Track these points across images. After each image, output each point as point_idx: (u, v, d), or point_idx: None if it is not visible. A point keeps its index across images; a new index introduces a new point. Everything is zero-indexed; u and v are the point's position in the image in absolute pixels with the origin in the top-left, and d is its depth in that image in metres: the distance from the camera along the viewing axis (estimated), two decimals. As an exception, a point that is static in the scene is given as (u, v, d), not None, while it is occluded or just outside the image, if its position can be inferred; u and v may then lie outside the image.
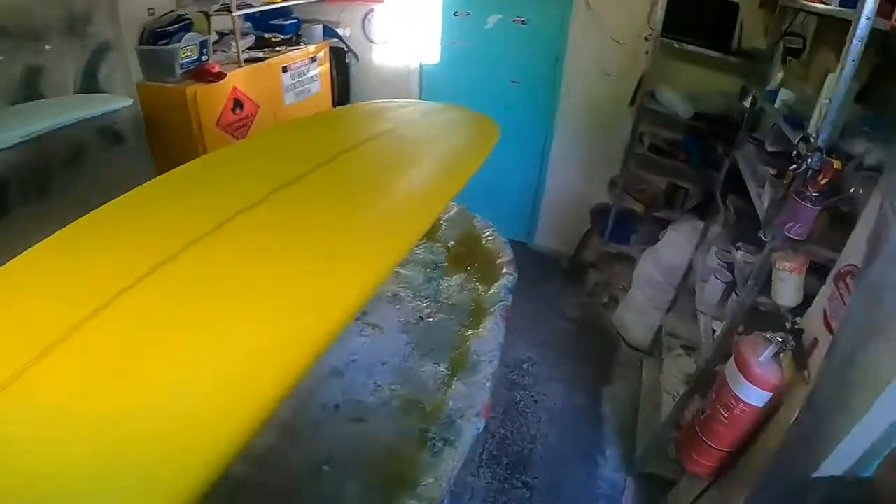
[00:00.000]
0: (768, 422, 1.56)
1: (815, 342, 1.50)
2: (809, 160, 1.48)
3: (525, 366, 3.23)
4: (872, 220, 1.28)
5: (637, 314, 3.35)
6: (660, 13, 2.82)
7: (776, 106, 2.03)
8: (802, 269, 1.56)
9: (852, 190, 1.39)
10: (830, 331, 1.37)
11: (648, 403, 2.73)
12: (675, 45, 2.86)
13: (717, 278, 2.29)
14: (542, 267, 3.98)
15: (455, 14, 3.57)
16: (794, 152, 1.55)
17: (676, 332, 2.79)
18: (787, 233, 1.52)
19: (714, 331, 2.13)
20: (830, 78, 1.54)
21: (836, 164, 1.40)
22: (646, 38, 3.05)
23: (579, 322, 3.56)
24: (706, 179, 3.05)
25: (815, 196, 1.44)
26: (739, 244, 2.01)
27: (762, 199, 1.82)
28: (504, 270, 2.20)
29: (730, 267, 2.11)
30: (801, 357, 1.44)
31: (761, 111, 2.40)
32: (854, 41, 1.37)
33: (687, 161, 3.13)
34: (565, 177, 3.78)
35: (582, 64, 3.35)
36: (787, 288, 1.59)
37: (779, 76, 2.41)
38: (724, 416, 1.62)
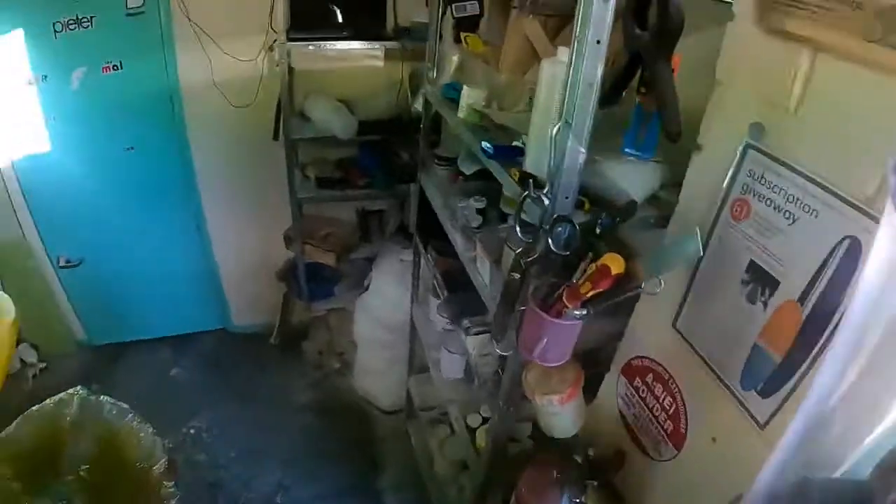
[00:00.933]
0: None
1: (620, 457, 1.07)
2: (550, 240, 0.96)
3: (278, 498, 2.46)
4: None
5: (378, 376, 2.78)
6: (281, 9, 2.13)
7: (460, 114, 1.50)
8: (577, 392, 1.09)
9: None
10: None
11: (434, 478, 2.20)
12: (310, 46, 2.23)
13: (449, 351, 1.77)
14: (251, 350, 3.23)
15: (30, 83, 2.42)
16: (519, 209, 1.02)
17: (427, 400, 2.28)
18: (537, 359, 1.00)
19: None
20: (549, 66, 1.01)
21: (612, 261, 0.89)
22: (270, 48, 2.31)
23: (317, 406, 2.91)
24: (401, 193, 2.56)
25: (579, 312, 0.93)
26: (467, 323, 1.48)
27: (481, 276, 1.29)
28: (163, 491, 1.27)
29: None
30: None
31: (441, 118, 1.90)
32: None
33: (370, 182, 2.54)
34: (236, 244, 3.05)
35: (205, 100, 2.58)
36: (561, 421, 1.11)
37: (453, 61, 1.88)
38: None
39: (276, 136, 2.51)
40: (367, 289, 2.68)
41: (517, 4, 1.46)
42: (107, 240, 2.80)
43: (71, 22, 2.31)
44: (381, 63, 2.43)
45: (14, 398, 2.88)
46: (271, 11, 2.36)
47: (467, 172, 1.80)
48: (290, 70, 2.30)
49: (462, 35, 1.86)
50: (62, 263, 2.80)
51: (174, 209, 2.81)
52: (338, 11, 2.34)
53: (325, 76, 2.55)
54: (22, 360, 3.01)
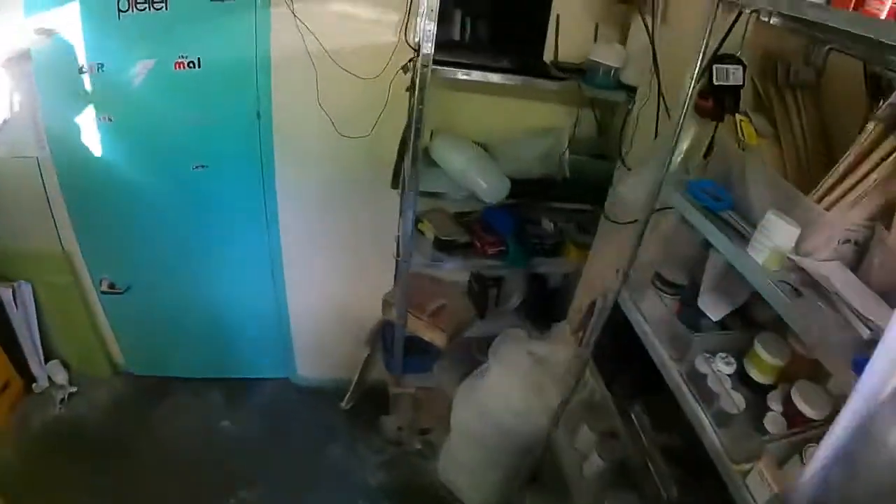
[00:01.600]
0: None
1: None
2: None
3: None
4: None
5: (469, 475, 2.22)
6: (426, 24, 1.44)
7: (757, 256, 1.00)
8: None
9: None
10: None
11: None
12: (461, 74, 1.63)
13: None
14: (318, 409, 2.67)
15: (82, 71, 1.83)
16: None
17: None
18: None
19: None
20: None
21: None
22: (405, 68, 1.69)
23: (392, 490, 2.32)
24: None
25: None
26: None
27: None
28: None
29: None
30: None
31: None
32: None
33: (502, 252, 1.91)
34: (314, 291, 2.45)
35: (303, 122, 1.95)
36: None
37: (683, 145, 1.26)
38: None
39: (395, 184, 1.88)
40: (479, 375, 2.10)
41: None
42: (160, 268, 2.26)
43: (139, 0, 1.68)
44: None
45: (36, 421, 2.45)
46: (406, 20, 1.68)
47: (714, 318, 1.27)
48: (421, 99, 1.65)
49: (738, 119, 1.19)
50: (105, 288, 2.28)
51: (246, 244, 2.23)
52: (490, 35, 1.77)
53: (460, 111, 1.89)
54: (50, 380, 2.56)
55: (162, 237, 2.17)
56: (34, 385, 2.53)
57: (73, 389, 2.55)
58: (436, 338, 2.01)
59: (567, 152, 1.84)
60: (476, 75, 1.59)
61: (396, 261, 2.11)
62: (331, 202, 2.12)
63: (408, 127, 1.72)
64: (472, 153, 1.80)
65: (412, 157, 1.60)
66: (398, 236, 2.12)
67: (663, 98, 1.45)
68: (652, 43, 1.46)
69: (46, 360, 2.56)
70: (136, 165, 1.99)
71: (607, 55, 1.62)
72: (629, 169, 1.63)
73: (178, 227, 2.15)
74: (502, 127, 1.98)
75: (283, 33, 1.76)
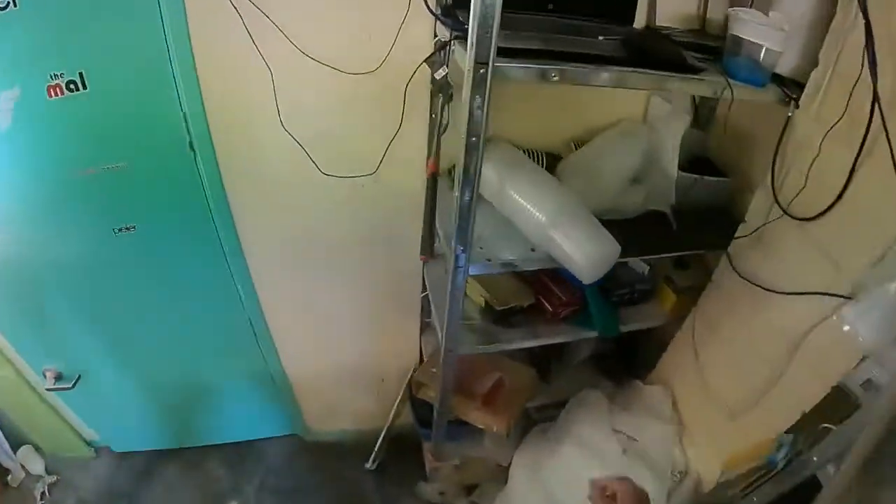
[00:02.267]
0: None
1: None
2: None
3: None
4: None
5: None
6: None
7: None
8: None
9: None
10: None
11: None
12: (554, 75, 0.85)
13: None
14: (337, 472, 2.20)
15: None
16: None
17: None
18: None
19: None
20: None
21: None
22: (431, 59, 1.11)
23: None
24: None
25: None
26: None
27: None
28: None
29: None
30: None
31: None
32: None
33: (578, 313, 1.37)
34: (311, 347, 1.90)
35: (260, 147, 1.32)
36: None
37: None
38: None
39: (427, 250, 1.27)
40: (544, 446, 1.60)
41: None
42: (114, 347, 1.72)
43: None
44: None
45: (20, 524, 2.09)
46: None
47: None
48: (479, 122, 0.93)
49: None
50: (51, 384, 1.76)
51: (213, 305, 1.66)
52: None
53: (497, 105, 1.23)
54: (25, 469, 2.14)
55: (104, 313, 1.62)
56: (9, 478, 2.11)
57: (53, 479, 2.12)
58: (494, 425, 1.48)
59: (675, 166, 1.18)
60: (574, 73, 0.83)
61: (423, 322, 1.56)
62: (319, 258, 1.53)
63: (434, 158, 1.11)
64: (554, 198, 1.13)
65: (460, 212, 0.95)
66: (424, 296, 1.56)
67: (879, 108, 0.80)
68: (863, 7, 0.79)
69: (16, 449, 2.13)
70: (42, 236, 1.40)
71: (762, 31, 0.93)
72: (794, 218, 1.01)
73: (122, 301, 1.59)
74: (559, 124, 1.34)
75: (208, 15, 1.10)
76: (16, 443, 2.13)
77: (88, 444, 2.16)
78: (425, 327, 1.75)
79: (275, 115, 1.20)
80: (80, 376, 1.76)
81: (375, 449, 2.09)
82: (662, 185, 1.21)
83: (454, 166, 1.21)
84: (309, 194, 1.36)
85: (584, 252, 1.06)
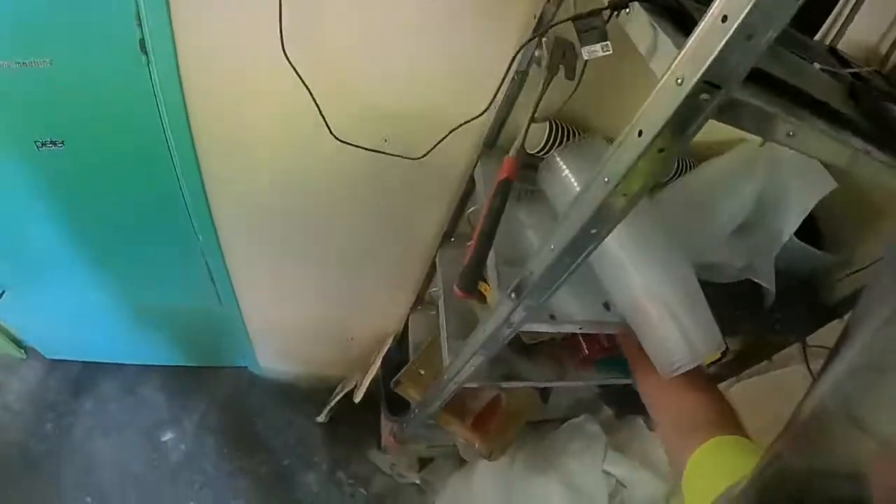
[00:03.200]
0: None
1: None
2: None
3: None
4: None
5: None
6: None
7: None
8: None
9: None
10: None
11: None
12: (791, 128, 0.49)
13: None
14: (284, 419, 2.02)
15: None
16: None
17: None
18: None
19: None
20: None
21: None
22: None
23: None
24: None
25: None
26: None
27: None
28: None
29: None
30: None
31: None
32: None
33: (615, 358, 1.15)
34: (281, 294, 1.60)
35: (246, 67, 0.88)
36: None
37: None
38: None
39: (471, 287, 0.91)
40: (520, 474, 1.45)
41: None
42: (45, 264, 1.39)
43: None
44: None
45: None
46: None
47: None
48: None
49: None
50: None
51: (166, 244, 1.31)
52: None
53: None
54: None
55: (33, 231, 1.26)
56: None
57: None
58: (480, 446, 1.28)
59: (791, 232, 0.89)
60: (811, 135, 0.47)
61: (418, 299, 1.29)
62: (304, 212, 1.19)
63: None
64: (664, 259, 0.81)
65: (551, 269, 0.62)
66: (429, 273, 1.28)
67: None
68: None
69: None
70: None
71: None
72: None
73: (54, 222, 1.23)
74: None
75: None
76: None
77: (18, 345, 1.87)
78: (419, 305, 1.49)
79: (274, 36, 0.81)
80: (3, 291, 1.43)
81: (330, 404, 1.90)
82: (765, 247, 0.94)
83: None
84: (307, 154, 1.00)
85: (685, 341, 0.79)
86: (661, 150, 0.46)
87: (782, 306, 1.02)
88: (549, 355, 1.12)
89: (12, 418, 1.81)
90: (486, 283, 1.13)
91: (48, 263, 1.38)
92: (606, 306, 0.90)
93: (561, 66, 0.82)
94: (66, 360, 1.91)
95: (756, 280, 0.93)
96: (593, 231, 0.55)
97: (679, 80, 0.42)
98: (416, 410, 1.25)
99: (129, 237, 1.30)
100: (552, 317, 0.84)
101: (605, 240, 0.82)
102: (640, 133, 0.46)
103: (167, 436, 1.88)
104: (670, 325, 0.79)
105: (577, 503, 1.29)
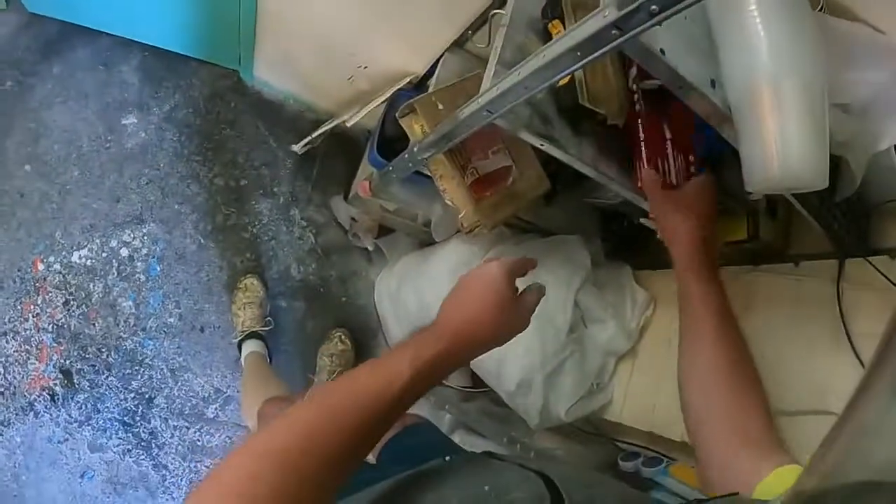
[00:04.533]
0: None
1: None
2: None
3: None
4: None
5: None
6: None
7: None
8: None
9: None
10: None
11: None
12: None
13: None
14: (253, 132, 1.83)
15: None
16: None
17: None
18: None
19: None
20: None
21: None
22: None
23: (310, 290, 1.84)
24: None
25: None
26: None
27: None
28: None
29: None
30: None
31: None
32: None
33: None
34: None
35: None
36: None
37: None
38: None
39: None
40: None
41: None
42: None
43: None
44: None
45: None
46: None
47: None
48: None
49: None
50: None
51: None
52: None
53: None
54: None
55: None
56: None
57: None
58: (468, 214, 1.15)
59: None
60: None
61: (464, 35, 1.07)
62: None
63: None
64: (802, 44, 0.65)
65: None
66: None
67: None
68: None
69: None
70: None
71: None
72: None
73: None
74: None
75: None
76: None
77: None
78: (462, 42, 1.26)
79: None
80: None
81: (312, 135, 1.73)
82: (864, 140, 0.79)
83: None
84: None
85: (786, 156, 0.65)
86: None
87: (848, 212, 0.91)
88: (595, 139, 0.97)
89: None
90: (562, 23, 0.92)
91: None
92: (713, 83, 0.73)
93: None
94: (47, 18, 1.59)
95: (847, 159, 0.79)
96: None
97: None
98: (415, 148, 1.10)
99: None
100: (662, 51, 0.66)
101: (749, 7, 0.63)
102: None
103: (129, 119, 1.68)
104: (779, 129, 0.64)
105: (535, 321, 1.24)
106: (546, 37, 0.95)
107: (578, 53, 0.65)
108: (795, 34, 0.68)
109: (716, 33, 0.73)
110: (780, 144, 0.66)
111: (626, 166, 1.00)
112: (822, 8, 0.85)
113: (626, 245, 1.36)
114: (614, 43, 0.62)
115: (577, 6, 0.90)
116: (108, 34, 1.65)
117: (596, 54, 0.65)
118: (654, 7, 0.55)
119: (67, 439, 1.53)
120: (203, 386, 1.67)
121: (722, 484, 0.63)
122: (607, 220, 1.38)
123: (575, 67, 0.68)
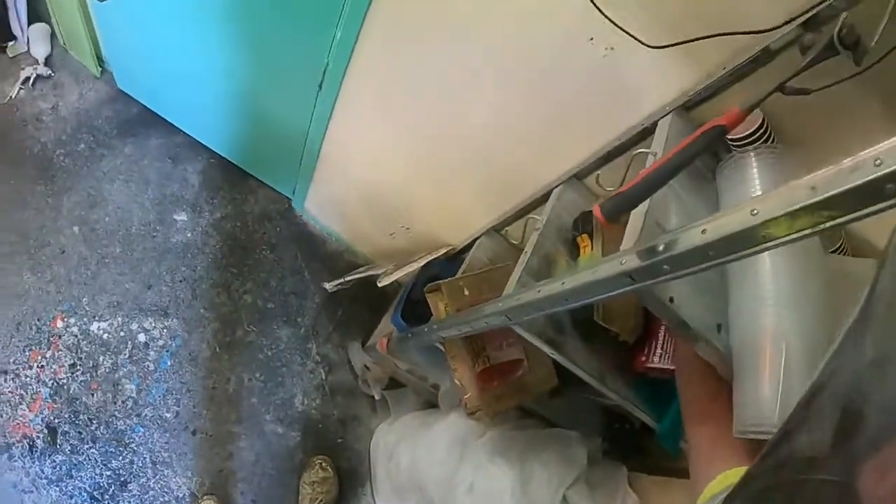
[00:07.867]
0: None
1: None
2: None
3: None
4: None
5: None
6: None
7: None
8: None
9: None
10: None
11: None
12: None
13: None
14: (293, 260, 1.93)
15: None
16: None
17: None
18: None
19: None
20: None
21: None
22: None
23: (307, 426, 1.77)
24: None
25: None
26: None
27: None
28: None
29: None
30: None
31: None
32: None
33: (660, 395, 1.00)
34: (369, 151, 1.52)
35: None
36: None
37: None
38: None
39: None
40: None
41: None
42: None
43: None
44: None
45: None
46: None
47: None
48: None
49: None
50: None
51: (297, 38, 1.22)
52: None
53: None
54: (28, 46, 1.82)
55: None
56: (9, 45, 1.80)
57: (46, 72, 1.81)
58: (472, 400, 1.14)
59: None
60: None
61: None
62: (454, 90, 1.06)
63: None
64: (807, 298, 0.71)
65: None
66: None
67: None
68: None
69: (31, 22, 1.81)
70: None
71: None
72: None
73: None
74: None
75: None
76: (35, 17, 1.82)
77: (99, 61, 1.82)
78: (499, 228, 1.35)
79: None
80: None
81: (345, 277, 1.81)
82: None
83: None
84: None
85: (792, 397, 0.65)
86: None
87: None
88: (605, 351, 0.98)
89: (55, 122, 1.78)
90: (590, 239, 0.98)
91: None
92: (718, 328, 0.75)
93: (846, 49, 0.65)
94: (132, 99, 1.86)
95: None
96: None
97: None
98: (434, 326, 1.13)
99: (272, 9, 1.20)
100: (671, 299, 0.69)
101: (763, 263, 0.67)
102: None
103: (180, 216, 1.83)
104: (779, 384, 0.64)
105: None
106: (574, 249, 1.01)
107: (590, 292, 0.69)
108: (807, 297, 0.72)
109: (729, 283, 0.77)
110: (774, 400, 0.67)
111: (633, 380, 0.99)
112: (842, 247, 0.89)
113: (626, 447, 1.30)
114: (626, 289, 0.65)
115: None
116: (183, 132, 1.85)
117: (606, 295, 0.68)
118: (665, 266, 0.59)
119: (32, 491, 1.45)
120: (180, 486, 1.59)
121: None
122: (610, 418, 1.33)
123: (587, 301, 0.72)
